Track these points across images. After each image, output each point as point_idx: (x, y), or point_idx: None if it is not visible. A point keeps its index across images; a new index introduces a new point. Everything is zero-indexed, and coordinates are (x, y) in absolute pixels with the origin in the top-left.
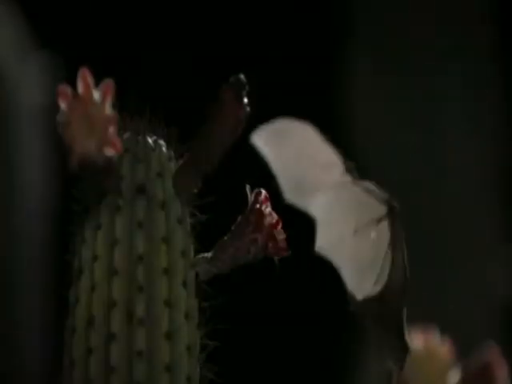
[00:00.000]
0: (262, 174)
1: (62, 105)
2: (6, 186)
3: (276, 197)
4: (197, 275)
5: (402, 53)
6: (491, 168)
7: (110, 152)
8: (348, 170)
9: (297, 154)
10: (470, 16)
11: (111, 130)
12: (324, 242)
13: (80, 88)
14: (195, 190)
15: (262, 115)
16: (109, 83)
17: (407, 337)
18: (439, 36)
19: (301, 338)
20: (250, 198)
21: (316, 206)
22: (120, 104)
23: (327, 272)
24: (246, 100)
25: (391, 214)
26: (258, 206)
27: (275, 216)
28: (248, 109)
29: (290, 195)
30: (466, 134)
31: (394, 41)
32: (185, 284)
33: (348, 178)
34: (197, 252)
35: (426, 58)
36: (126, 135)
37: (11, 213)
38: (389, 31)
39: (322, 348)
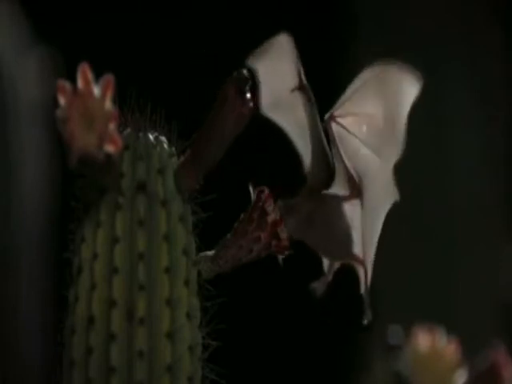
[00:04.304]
0: (265, 172)
1: (61, 100)
2: (4, 184)
3: (279, 195)
4: (199, 274)
5: (405, 50)
6: (495, 168)
7: (110, 148)
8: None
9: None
10: (471, 12)
11: (111, 126)
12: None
13: (80, 83)
14: (197, 188)
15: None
16: (109, 78)
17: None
18: (440, 35)
19: (304, 338)
20: (253, 195)
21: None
22: (120, 100)
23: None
24: (248, 95)
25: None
26: (260, 203)
27: (278, 214)
28: (251, 104)
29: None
30: (469, 131)
31: (396, 38)
32: (186, 283)
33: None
34: (199, 250)
35: (427, 57)
36: (127, 131)
37: (10, 211)
38: (390, 29)
39: (325, 348)
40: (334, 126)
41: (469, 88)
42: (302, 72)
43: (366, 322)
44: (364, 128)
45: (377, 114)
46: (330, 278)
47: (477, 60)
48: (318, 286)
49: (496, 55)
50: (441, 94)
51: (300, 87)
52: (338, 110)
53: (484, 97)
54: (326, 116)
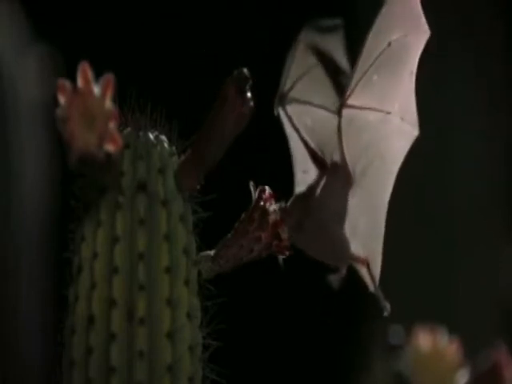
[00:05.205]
0: (265, 172)
1: (61, 100)
2: (4, 184)
3: (280, 194)
4: (199, 274)
5: None
6: (495, 169)
7: (110, 148)
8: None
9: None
10: (471, 12)
11: (111, 125)
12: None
13: (80, 82)
14: (198, 187)
15: (264, 111)
16: (109, 78)
17: None
18: (440, 36)
19: (304, 338)
20: (254, 195)
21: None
22: (120, 99)
23: (331, 272)
24: (249, 94)
25: None
26: (261, 203)
27: (279, 214)
28: (252, 103)
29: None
30: (470, 132)
31: None
32: (187, 283)
33: None
34: (199, 250)
35: (427, 57)
36: (127, 130)
37: (10, 211)
38: None
39: (325, 348)
40: (344, 112)
41: (469, 89)
42: (288, 83)
43: (386, 314)
44: (375, 77)
45: (386, 43)
46: (344, 271)
47: (477, 61)
48: (334, 279)
49: (497, 56)
50: (441, 94)
51: (279, 98)
52: (348, 91)
53: (484, 97)
54: (338, 106)
